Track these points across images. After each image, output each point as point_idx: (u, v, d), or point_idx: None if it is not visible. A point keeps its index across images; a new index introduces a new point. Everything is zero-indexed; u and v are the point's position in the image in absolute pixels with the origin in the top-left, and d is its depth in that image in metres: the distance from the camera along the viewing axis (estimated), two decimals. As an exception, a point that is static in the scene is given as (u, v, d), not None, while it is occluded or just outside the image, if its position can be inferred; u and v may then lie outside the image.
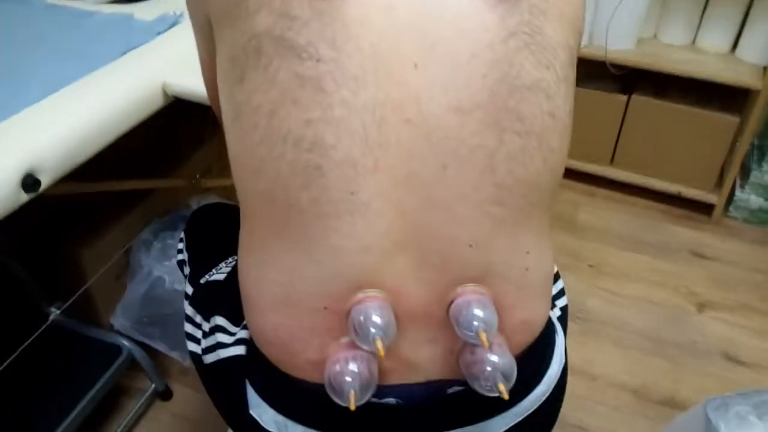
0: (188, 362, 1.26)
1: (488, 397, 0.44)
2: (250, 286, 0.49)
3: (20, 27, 1.05)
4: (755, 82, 1.53)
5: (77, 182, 1.16)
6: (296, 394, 0.49)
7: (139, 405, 1.20)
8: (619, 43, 1.66)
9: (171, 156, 1.36)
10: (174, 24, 1.02)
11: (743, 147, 1.63)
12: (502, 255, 0.46)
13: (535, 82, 0.43)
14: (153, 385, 1.22)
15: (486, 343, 0.42)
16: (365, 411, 0.44)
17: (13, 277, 1.08)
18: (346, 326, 0.44)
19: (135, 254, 1.19)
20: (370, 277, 0.44)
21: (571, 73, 0.47)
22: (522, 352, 0.50)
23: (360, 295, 0.44)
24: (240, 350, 0.55)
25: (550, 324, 0.55)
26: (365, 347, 0.43)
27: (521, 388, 0.51)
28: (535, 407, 0.53)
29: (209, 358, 0.59)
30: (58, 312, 0.99)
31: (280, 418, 0.50)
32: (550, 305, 0.54)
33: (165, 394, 1.25)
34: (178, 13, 1.05)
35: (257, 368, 0.51)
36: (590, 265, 1.64)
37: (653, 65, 1.63)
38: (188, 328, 0.65)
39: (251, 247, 0.48)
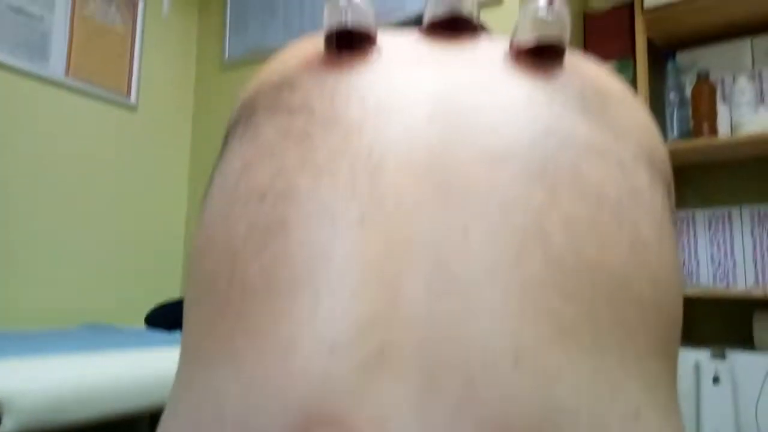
0: None
1: None
2: None
3: (94, 337, 1.07)
4: None
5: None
6: None
7: None
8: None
9: None
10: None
11: None
12: (580, 397, 0.25)
13: (599, 146, 0.32)
14: None
15: None
16: None
17: None
18: None
19: None
20: (329, 406, 0.24)
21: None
22: None
23: None
24: None
25: None
26: None
27: None
28: None
29: None
30: None
31: None
32: None
33: None
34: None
35: None
36: None
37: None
38: None
39: (173, 390, 0.31)
